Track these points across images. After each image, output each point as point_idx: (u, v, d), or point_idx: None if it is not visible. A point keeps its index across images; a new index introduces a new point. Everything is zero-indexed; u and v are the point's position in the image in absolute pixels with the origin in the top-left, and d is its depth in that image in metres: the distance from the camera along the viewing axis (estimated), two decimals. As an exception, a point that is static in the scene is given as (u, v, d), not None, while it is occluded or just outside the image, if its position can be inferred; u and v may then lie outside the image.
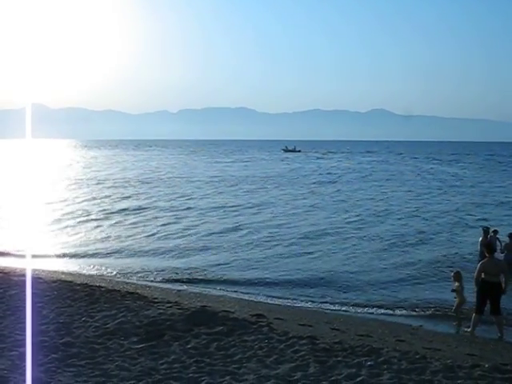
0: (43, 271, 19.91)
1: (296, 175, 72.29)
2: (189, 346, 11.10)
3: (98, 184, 58.73)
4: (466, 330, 14.50)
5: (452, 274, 16.12)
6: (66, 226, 31.33)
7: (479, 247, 20.46)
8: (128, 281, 19.64)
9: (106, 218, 34.34)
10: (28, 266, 20.19)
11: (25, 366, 9.47)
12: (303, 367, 10.10)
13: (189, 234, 28.75)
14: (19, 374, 9.12)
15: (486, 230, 21.39)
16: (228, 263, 22.32)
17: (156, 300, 15.14)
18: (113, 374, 9.57)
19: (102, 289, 16.56)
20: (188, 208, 38.83)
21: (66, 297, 15.09)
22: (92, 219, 33.93)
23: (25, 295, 14.47)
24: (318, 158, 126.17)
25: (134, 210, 38.19)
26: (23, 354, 10.02)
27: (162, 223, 32.25)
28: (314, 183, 60.89)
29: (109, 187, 54.83)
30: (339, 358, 10.60)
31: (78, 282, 17.71)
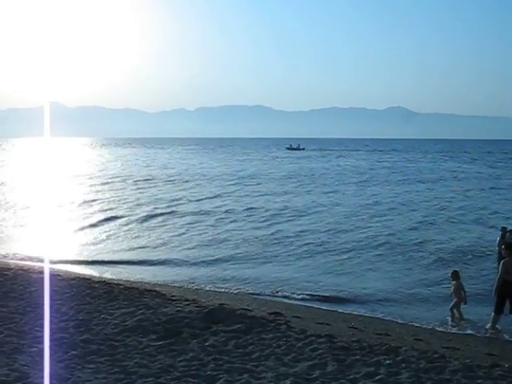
0: (62, 268, 20.07)
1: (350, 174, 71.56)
2: (207, 344, 11.13)
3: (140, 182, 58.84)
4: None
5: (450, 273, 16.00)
6: (95, 227, 30.83)
7: (497, 247, 20.30)
8: (146, 278, 19.64)
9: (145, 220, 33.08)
10: (47, 264, 20.35)
11: (45, 362, 9.55)
12: (321, 365, 10.09)
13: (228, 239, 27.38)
14: (39, 370, 9.20)
15: (503, 230, 21.26)
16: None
17: (174, 298, 15.19)
18: (132, 370, 9.62)
19: (121, 286, 16.65)
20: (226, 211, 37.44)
21: (85, 294, 15.20)
22: (118, 217, 33.89)
23: (44, 292, 14.60)
24: (338, 157, 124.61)
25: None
26: (43, 351, 10.10)
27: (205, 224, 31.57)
28: (388, 181, 59.17)
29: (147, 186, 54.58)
30: (357, 357, 10.58)
31: (97, 280, 17.84)
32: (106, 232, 28.96)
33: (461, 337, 13.78)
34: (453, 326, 14.77)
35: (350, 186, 55.28)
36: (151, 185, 55.51)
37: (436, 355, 10.82)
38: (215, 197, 44.60)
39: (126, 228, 30.25)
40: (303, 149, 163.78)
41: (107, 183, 56.58)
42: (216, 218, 33.51)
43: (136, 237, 27.78)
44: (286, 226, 30.57)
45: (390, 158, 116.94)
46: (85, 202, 41.32)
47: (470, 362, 10.49)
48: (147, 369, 9.74)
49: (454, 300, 15.34)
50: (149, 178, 63.51)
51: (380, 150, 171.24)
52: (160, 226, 30.74)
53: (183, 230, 29.25)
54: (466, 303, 15.39)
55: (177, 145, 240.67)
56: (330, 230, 28.96)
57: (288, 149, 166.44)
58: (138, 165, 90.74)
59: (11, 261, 21.51)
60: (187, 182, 58.83)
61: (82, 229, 30.37)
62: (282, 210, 36.84)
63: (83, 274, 19.19)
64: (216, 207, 38.00)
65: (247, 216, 34.11)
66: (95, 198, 43.28)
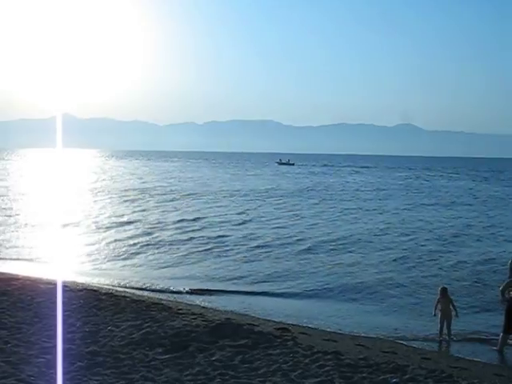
0: (69, 279, 20.08)
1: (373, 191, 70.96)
2: (213, 358, 11.10)
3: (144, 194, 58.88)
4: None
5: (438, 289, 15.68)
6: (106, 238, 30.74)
7: (509, 265, 20.12)
8: (153, 291, 19.65)
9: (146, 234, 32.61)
10: (55, 274, 20.37)
11: (51, 373, 9.56)
12: (328, 382, 10.05)
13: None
14: (46, 381, 9.20)
15: None
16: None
17: (181, 311, 15.19)
18: (137, 383, 9.61)
19: (128, 299, 16.66)
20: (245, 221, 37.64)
21: (92, 306, 15.21)
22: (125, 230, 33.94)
23: (51, 303, 14.63)
24: (352, 173, 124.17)
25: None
26: (50, 362, 10.11)
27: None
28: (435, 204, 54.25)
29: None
30: (364, 374, 10.53)
31: (104, 292, 17.85)
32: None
33: (469, 356, 13.61)
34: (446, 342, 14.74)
35: (372, 202, 55.17)
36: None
37: (444, 374, 10.75)
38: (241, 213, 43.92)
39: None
40: (293, 164, 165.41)
41: (173, 199, 55.25)
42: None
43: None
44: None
45: (406, 176, 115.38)
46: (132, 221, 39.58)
47: (477, 382, 10.42)
48: (153, 382, 9.72)
49: (444, 320, 15.08)
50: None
51: (392, 167, 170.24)
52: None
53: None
54: (457, 316, 15.23)
55: (193, 159, 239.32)
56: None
57: (278, 163, 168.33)
58: (180, 178, 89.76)
59: (19, 270, 21.56)
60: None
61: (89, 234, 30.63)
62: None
63: (90, 286, 19.22)
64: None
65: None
66: (136, 219, 40.31)
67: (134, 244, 29.12)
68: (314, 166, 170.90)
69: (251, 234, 32.66)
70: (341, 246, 28.98)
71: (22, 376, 9.33)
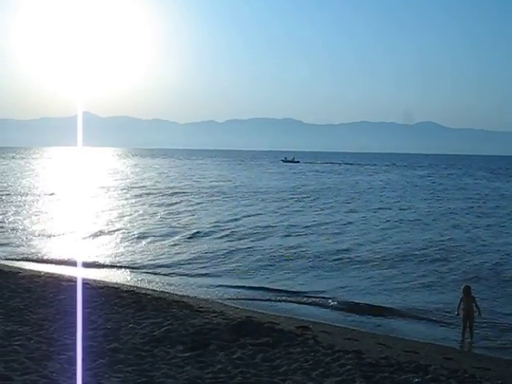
0: (91, 277, 20.21)
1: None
2: (234, 356, 11.10)
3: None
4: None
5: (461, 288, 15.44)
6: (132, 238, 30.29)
7: None
8: (174, 289, 19.59)
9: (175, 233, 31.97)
10: (76, 272, 20.53)
11: (73, 369, 9.61)
12: (349, 382, 10.00)
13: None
14: (68, 378, 9.25)
15: None
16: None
17: (201, 309, 15.23)
18: (159, 381, 9.63)
19: (149, 296, 16.74)
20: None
21: (114, 303, 15.31)
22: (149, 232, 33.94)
23: (73, 300, 14.74)
24: (384, 172, 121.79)
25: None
26: (72, 358, 10.17)
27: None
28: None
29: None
30: (386, 374, 10.47)
31: (125, 289, 17.95)
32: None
33: (492, 356, 13.49)
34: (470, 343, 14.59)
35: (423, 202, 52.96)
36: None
37: (466, 375, 10.66)
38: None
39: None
40: (298, 162, 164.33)
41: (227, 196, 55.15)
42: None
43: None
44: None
45: (432, 175, 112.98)
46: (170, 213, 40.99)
47: (501, 383, 10.30)
48: (174, 380, 9.73)
49: (467, 320, 14.90)
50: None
51: (420, 166, 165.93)
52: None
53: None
54: (480, 315, 15.05)
55: (215, 157, 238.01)
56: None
57: (283, 161, 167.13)
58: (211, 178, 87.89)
59: (42, 267, 21.74)
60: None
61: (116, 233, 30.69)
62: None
63: (112, 283, 19.32)
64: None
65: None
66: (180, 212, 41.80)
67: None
68: (331, 163, 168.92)
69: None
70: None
71: (45, 372, 9.40)
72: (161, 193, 58.42)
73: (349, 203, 51.13)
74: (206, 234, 31.54)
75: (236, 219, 38.09)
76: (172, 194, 56.60)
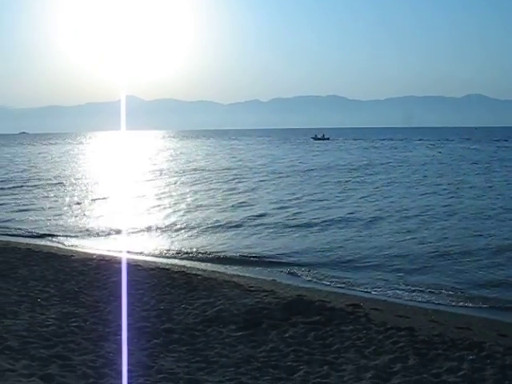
0: (141, 259, 20.52)
1: None
2: (286, 335, 11.17)
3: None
4: None
5: None
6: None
7: None
8: (223, 269, 19.60)
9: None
10: (127, 255, 20.84)
11: (129, 349, 9.81)
12: (402, 359, 9.95)
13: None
14: (124, 358, 9.45)
15: None
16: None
17: (252, 288, 15.31)
18: (213, 360, 9.77)
19: (199, 277, 16.90)
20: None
21: (166, 284, 15.51)
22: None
23: (126, 282, 15.00)
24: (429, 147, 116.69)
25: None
26: (127, 339, 10.37)
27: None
28: None
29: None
30: (439, 351, 10.38)
31: (176, 270, 18.15)
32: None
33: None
34: None
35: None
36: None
37: (523, 352, 10.47)
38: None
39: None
40: (328, 138, 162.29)
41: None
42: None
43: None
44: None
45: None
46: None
47: (559, 359, 10.10)
48: (228, 359, 9.86)
49: None
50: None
51: (468, 139, 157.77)
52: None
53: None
54: None
55: (261, 136, 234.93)
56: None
57: (313, 139, 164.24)
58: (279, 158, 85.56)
59: (95, 250, 22.14)
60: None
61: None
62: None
63: (162, 265, 19.55)
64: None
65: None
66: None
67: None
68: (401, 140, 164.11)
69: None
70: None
71: (102, 352, 9.63)
72: (218, 173, 57.67)
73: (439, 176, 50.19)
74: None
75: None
76: (230, 177, 54.39)
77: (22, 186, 46.95)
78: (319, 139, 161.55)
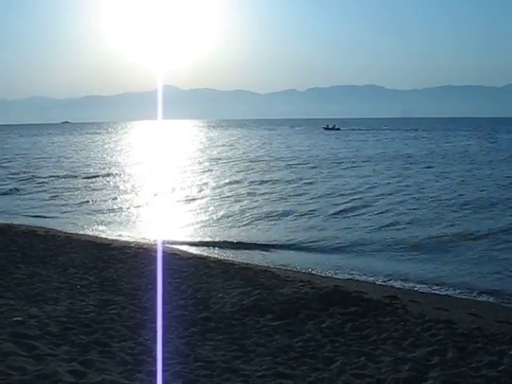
0: (178, 248, 20.65)
1: None
2: (323, 326, 11.14)
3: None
4: None
5: None
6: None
7: None
8: (259, 260, 19.51)
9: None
10: (164, 243, 20.98)
11: (167, 337, 9.89)
12: (441, 352, 9.82)
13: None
14: (162, 345, 9.53)
15: None
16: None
17: (289, 279, 15.32)
18: (249, 349, 9.78)
19: (236, 266, 16.99)
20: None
21: (203, 273, 15.62)
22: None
23: (163, 270, 15.12)
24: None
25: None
26: (165, 327, 10.46)
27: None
28: None
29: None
30: (479, 345, 10.22)
31: (212, 259, 18.27)
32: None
33: None
34: None
35: None
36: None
37: None
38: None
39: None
40: (338, 129, 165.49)
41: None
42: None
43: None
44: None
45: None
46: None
47: None
48: (265, 348, 9.87)
49: None
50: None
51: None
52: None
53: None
54: None
55: (296, 126, 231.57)
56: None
57: (325, 129, 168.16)
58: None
59: (132, 239, 22.33)
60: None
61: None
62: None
63: (199, 254, 19.67)
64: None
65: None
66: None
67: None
68: (406, 130, 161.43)
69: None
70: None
71: (140, 340, 9.72)
72: (268, 164, 56.90)
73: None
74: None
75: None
76: (282, 166, 54.52)
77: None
78: (330, 129, 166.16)
